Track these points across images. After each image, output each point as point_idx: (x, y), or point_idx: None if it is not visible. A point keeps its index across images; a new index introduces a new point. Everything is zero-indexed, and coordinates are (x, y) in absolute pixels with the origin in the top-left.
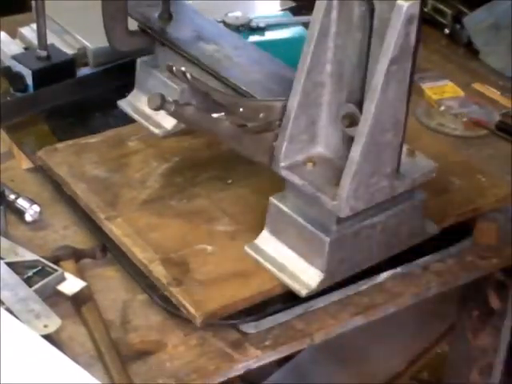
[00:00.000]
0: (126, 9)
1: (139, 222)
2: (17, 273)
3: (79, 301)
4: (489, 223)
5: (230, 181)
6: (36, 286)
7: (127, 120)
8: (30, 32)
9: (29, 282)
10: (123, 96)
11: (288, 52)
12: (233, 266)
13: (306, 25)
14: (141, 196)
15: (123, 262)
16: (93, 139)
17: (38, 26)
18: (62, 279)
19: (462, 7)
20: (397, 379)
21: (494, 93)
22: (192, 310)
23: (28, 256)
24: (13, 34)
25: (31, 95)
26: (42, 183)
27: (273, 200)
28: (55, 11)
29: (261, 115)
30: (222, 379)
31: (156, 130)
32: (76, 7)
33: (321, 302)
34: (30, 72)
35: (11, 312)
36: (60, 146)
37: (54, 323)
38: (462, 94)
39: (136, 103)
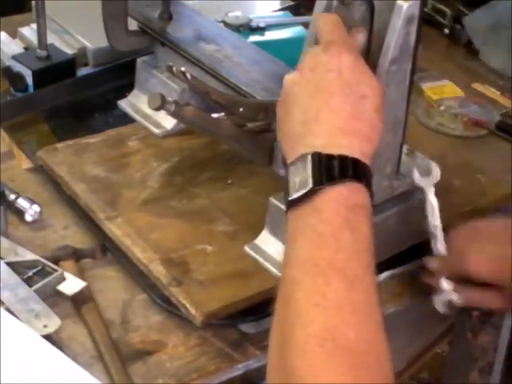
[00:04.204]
0: (125, 9)
1: (139, 222)
2: (17, 273)
3: (79, 301)
4: None
5: (229, 181)
6: (36, 286)
7: (127, 120)
8: (30, 32)
9: (29, 281)
10: (123, 96)
11: (288, 52)
12: (233, 266)
13: (305, 25)
14: (141, 196)
15: (123, 261)
16: (93, 139)
17: (38, 26)
18: (62, 279)
19: (461, 7)
20: (396, 379)
21: (493, 93)
22: (192, 309)
23: (28, 256)
24: (13, 34)
25: (31, 95)
26: (42, 183)
27: (273, 200)
28: (55, 11)
29: (261, 115)
30: (222, 379)
31: (156, 130)
32: (76, 7)
33: None
34: (30, 72)
35: (11, 312)
36: (60, 145)
37: (53, 323)
38: (461, 93)
39: (136, 103)
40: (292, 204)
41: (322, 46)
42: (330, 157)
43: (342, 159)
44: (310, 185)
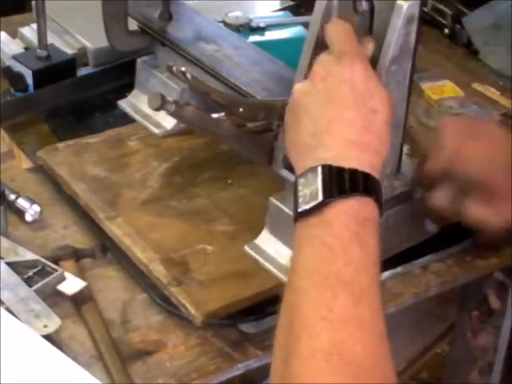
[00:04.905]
0: (126, 9)
1: (139, 222)
2: (17, 273)
3: (79, 301)
4: None
5: (230, 181)
6: (36, 286)
7: (127, 120)
8: (30, 32)
9: (29, 281)
10: (123, 96)
11: (288, 52)
12: (233, 265)
13: (305, 25)
14: (141, 196)
15: (123, 261)
16: (93, 139)
17: (38, 26)
18: (62, 279)
19: (461, 7)
20: (397, 379)
21: (493, 93)
22: (192, 309)
23: (28, 256)
24: (13, 34)
25: (31, 95)
26: (43, 183)
27: (273, 200)
28: (55, 11)
29: (261, 115)
30: (222, 379)
31: (156, 130)
32: (76, 7)
33: None
34: (30, 72)
35: (11, 312)
36: (60, 145)
37: (53, 323)
38: (461, 93)
39: (136, 103)
40: (301, 215)
41: (335, 55)
42: (340, 169)
43: (353, 172)
44: (321, 197)
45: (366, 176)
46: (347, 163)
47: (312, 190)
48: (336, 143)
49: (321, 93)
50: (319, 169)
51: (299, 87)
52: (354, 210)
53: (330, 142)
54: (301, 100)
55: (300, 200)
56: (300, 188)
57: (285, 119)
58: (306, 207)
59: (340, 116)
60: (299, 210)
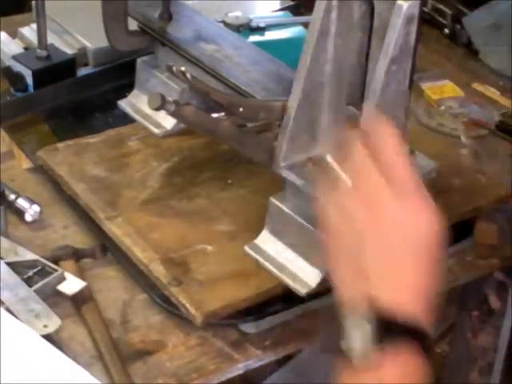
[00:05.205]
0: (126, 9)
1: (139, 222)
2: (17, 273)
3: (79, 301)
4: (489, 223)
5: (230, 181)
6: (36, 286)
7: (127, 120)
8: (30, 32)
9: (29, 281)
10: (123, 96)
11: (288, 52)
12: (233, 265)
13: (305, 25)
14: (141, 196)
15: (123, 261)
16: (93, 139)
17: (38, 26)
18: (62, 279)
19: (461, 7)
20: None
21: (493, 93)
22: (192, 309)
23: (28, 256)
24: (13, 34)
25: (31, 95)
26: (42, 183)
27: (273, 200)
28: (55, 11)
29: (261, 115)
30: (222, 379)
31: (156, 130)
32: (76, 7)
33: (321, 302)
34: (30, 72)
35: (11, 312)
36: (60, 145)
37: (53, 323)
38: (461, 93)
39: (136, 103)
40: (349, 362)
41: (395, 192)
42: (394, 317)
43: (407, 322)
44: (373, 344)
45: (418, 326)
46: (402, 310)
47: (363, 335)
48: (393, 287)
49: (384, 232)
50: (372, 314)
51: (358, 214)
52: (406, 361)
53: (386, 284)
54: (360, 230)
55: (349, 341)
56: (349, 327)
57: (327, 223)
58: (358, 356)
59: (402, 262)
60: (352, 359)
